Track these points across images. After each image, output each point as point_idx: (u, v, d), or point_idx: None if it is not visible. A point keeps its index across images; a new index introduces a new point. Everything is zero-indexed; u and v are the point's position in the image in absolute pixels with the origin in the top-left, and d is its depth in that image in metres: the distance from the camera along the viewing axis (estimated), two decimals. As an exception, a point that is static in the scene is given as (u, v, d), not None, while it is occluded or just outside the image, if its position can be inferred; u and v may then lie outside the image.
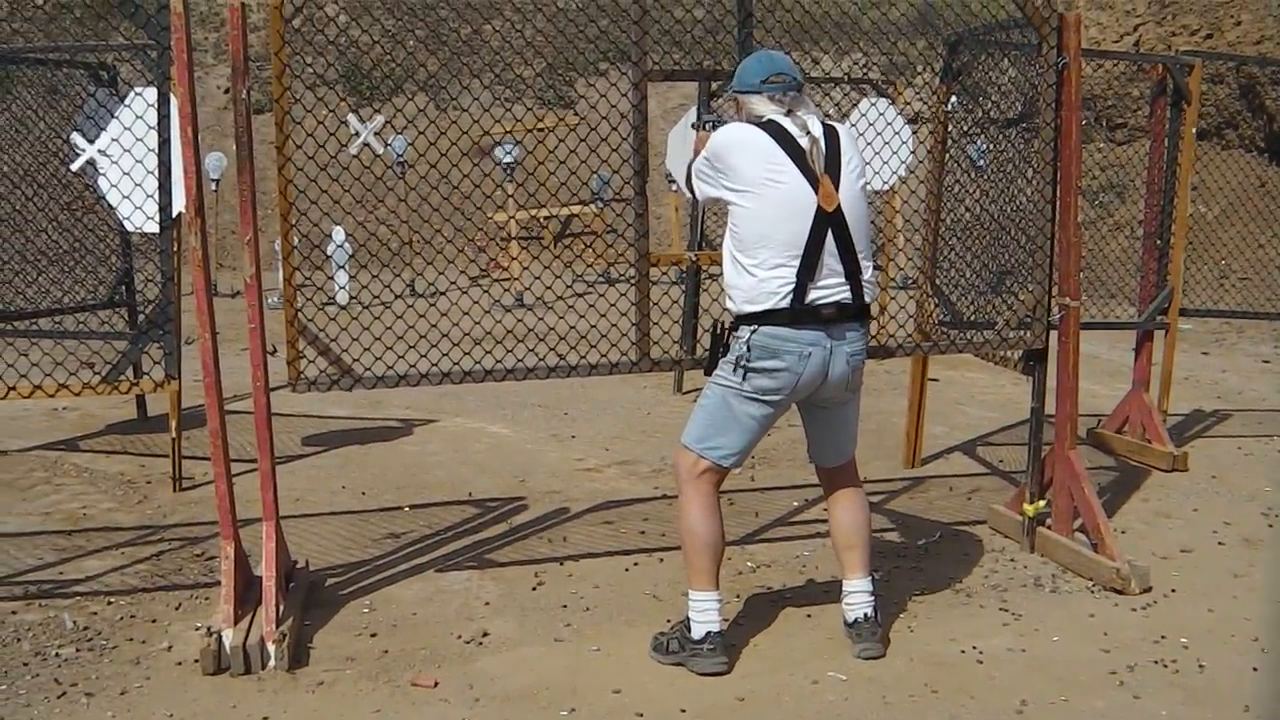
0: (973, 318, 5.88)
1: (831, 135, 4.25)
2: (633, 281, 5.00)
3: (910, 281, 11.98)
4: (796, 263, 4.13)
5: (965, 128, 6.18)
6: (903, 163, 6.69)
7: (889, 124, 5.89)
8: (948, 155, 6.25)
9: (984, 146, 6.05)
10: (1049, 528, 5.57)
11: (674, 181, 12.93)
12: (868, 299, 4.28)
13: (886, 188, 8.90)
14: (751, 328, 4.17)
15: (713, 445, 4.31)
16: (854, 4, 5.96)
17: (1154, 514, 6.28)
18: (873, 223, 4.52)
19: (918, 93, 10.79)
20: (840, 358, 4.22)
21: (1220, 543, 5.82)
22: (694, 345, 8.93)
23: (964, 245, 6.04)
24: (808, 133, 4.20)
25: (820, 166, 4.16)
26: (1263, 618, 4.86)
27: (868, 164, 4.77)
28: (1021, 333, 5.40)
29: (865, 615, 4.42)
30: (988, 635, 4.63)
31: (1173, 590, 5.15)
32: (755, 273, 4.16)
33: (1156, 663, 4.41)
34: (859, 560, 4.47)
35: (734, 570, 5.25)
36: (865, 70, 14.10)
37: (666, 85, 16.98)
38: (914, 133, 7.28)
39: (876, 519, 5.93)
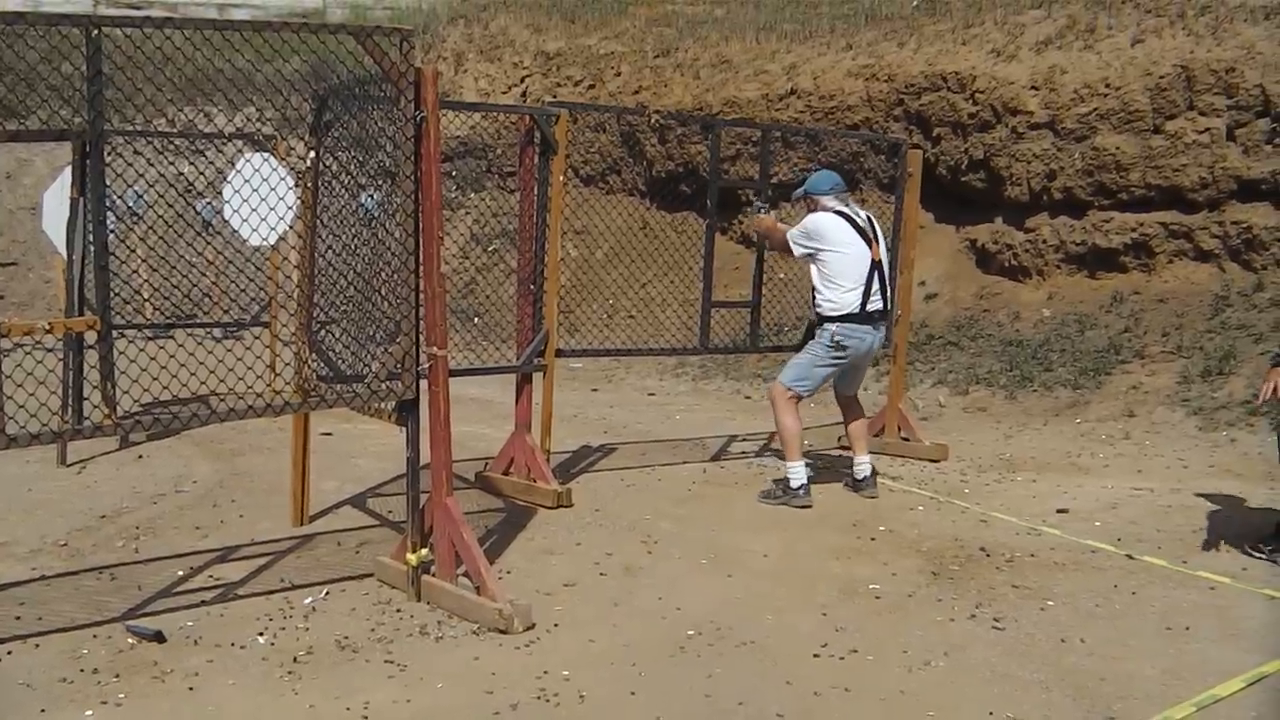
0: (349, 371, 5.87)
1: (869, 219, 7.74)
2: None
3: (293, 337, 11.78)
4: (861, 287, 7.51)
5: (360, 180, 6.07)
6: (280, 218, 6.58)
7: (265, 179, 5.81)
8: (327, 208, 6.16)
9: (378, 198, 5.96)
10: (434, 575, 5.64)
11: (56, 245, 12.04)
12: (887, 307, 7.81)
13: (268, 243, 8.76)
14: (836, 324, 7.52)
15: (800, 381, 7.64)
16: (248, 61, 5.87)
17: (539, 551, 6.50)
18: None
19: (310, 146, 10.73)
20: (877, 339, 7.74)
21: (602, 573, 6.12)
22: (79, 414, 8.36)
23: (339, 298, 6.02)
24: (859, 216, 7.66)
25: (872, 236, 7.64)
26: (637, 642, 5.15)
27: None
28: (392, 384, 5.45)
29: (866, 475, 7.90)
30: (373, 690, 4.63)
31: (555, 625, 5.35)
32: (842, 294, 7.50)
33: (539, 698, 4.56)
34: (861, 445, 8.01)
35: (115, 648, 5.00)
36: (259, 125, 13.91)
37: (56, 144, 16.02)
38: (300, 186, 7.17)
39: (260, 582, 5.83)
